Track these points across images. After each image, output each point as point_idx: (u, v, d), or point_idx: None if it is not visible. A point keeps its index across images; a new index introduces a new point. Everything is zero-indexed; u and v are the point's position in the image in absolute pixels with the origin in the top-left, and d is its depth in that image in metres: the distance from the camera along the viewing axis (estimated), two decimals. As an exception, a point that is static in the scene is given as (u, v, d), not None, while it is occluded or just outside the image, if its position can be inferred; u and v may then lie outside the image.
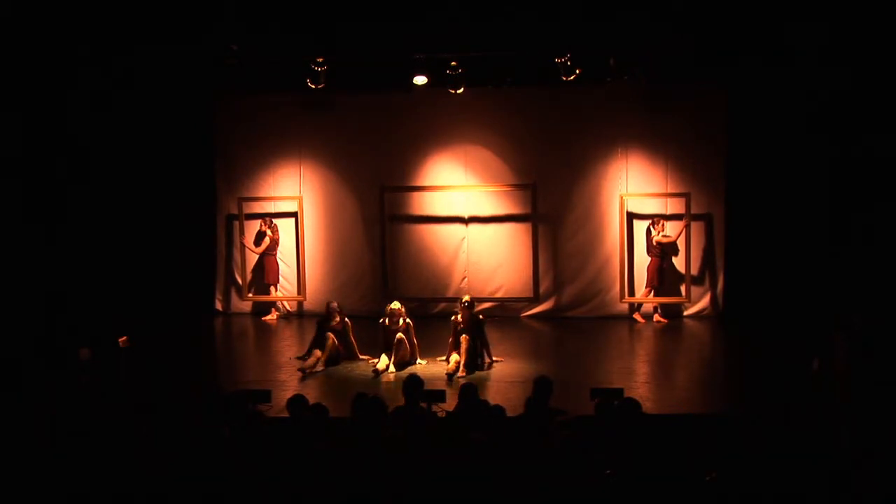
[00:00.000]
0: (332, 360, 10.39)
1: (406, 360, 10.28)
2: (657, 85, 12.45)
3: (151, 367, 10.35)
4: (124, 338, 11.01)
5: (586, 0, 10.95)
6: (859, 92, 11.52)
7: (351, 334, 10.66)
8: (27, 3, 10.70)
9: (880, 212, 11.63)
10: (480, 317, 10.49)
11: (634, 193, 13.02)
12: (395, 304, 10.49)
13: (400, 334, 10.22)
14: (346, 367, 10.38)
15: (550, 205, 13.19)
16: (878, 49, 11.10)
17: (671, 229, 12.86)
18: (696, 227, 12.86)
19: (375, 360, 10.29)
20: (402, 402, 7.29)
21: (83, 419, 7.84)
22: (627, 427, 6.37)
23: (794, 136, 12.16)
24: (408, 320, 10.44)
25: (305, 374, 9.94)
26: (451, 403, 7.72)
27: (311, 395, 8.66)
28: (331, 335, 10.41)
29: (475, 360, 10.14)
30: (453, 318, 10.38)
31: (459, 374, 9.82)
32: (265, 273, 13.62)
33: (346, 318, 10.74)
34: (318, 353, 10.28)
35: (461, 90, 12.29)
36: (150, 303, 12.67)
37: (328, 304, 10.86)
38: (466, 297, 10.47)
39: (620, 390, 7.62)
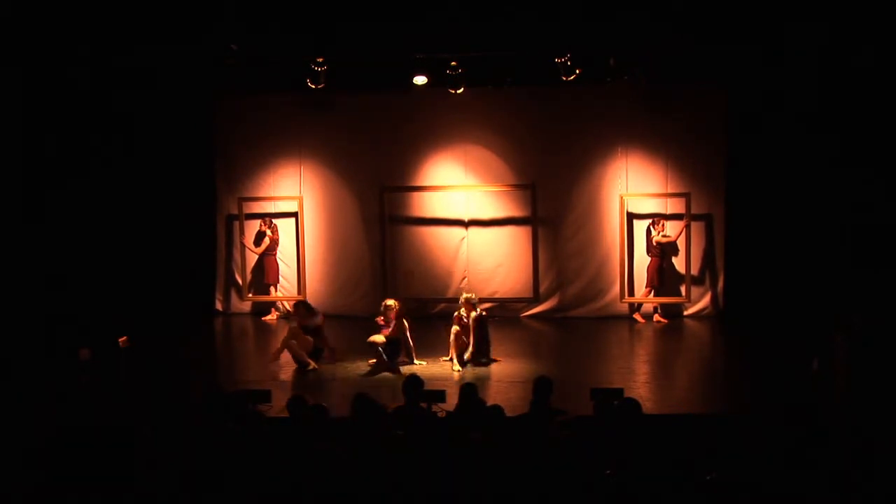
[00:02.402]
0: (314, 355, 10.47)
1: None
2: (657, 85, 12.44)
3: (151, 367, 10.35)
4: (124, 338, 11.01)
5: (586, 0, 10.94)
6: (859, 91, 11.52)
7: (324, 334, 10.68)
8: (27, 2, 10.71)
9: (879, 212, 11.63)
10: (483, 314, 10.69)
11: (634, 193, 13.02)
12: (391, 301, 10.54)
13: (379, 337, 10.29)
14: (347, 367, 10.37)
15: (550, 205, 13.18)
16: (879, 48, 11.11)
17: (671, 229, 12.86)
18: (696, 227, 12.86)
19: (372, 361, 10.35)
20: (402, 402, 7.29)
21: (83, 419, 7.85)
22: (627, 427, 6.37)
23: (794, 136, 12.15)
24: (403, 320, 10.43)
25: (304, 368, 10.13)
26: (450, 403, 7.72)
27: (311, 395, 8.66)
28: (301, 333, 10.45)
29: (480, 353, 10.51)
30: (456, 313, 10.57)
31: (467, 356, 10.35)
32: (265, 273, 13.62)
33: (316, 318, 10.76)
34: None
35: (461, 90, 12.29)
36: (150, 303, 12.66)
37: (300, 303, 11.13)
38: (472, 296, 10.76)
39: (620, 390, 7.63)
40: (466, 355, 10.43)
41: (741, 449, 6.31)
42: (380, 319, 10.48)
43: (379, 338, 10.28)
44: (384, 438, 6.02)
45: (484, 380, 9.67)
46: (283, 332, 10.81)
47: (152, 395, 9.08)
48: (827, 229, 12.02)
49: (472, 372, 10.09)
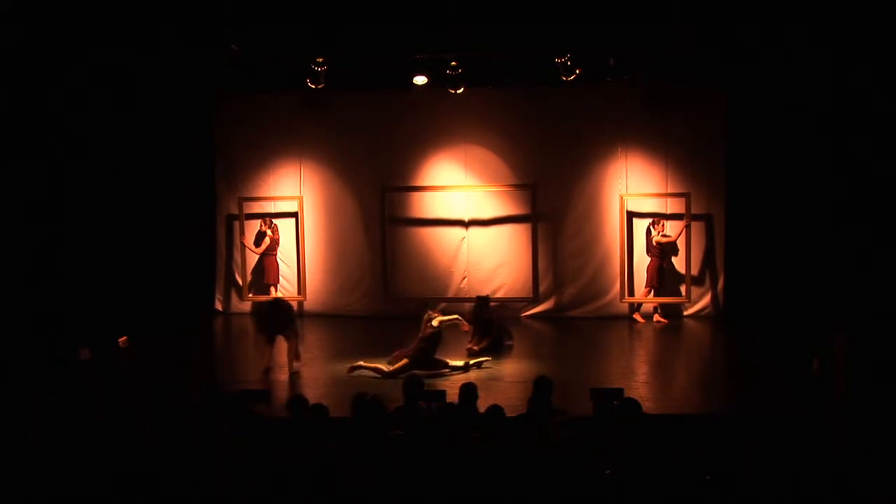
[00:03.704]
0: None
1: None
2: (657, 85, 12.45)
3: (151, 366, 10.35)
4: (124, 338, 11.01)
5: (586, 0, 10.94)
6: (859, 91, 11.52)
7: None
8: (27, 2, 10.70)
9: (880, 211, 11.62)
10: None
11: (634, 193, 13.02)
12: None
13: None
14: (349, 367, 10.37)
15: (550, 205, 13.19)
16: (878, 48, 11.11)
17: (671, 229, 12.86)
18: (697, 227, 12.86)
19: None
20: (402, 402, 7.30)
21: (83, 419, 7.85)
22: (627, 427, 6.37)
23: (794, 136, 12.15)
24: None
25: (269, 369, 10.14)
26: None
27: (311, 395, 8.67)
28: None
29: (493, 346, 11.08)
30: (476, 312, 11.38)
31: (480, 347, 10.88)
32: (265, 273, 13.62)
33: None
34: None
35: (461, 90, 12.29)
36: (150, 303, 12.66)
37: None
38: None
39: (620, 390, 7.61)
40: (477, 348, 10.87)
41: (741, 449, 6.31)
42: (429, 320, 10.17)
43: (391, 366, 9.96)
44: (384, 438, 6.02)
45: (484, 380, 9.66)
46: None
47: (152, 395, 9.08)
48: (827, 229, 12.01)
49: (474, 370, 10.10)
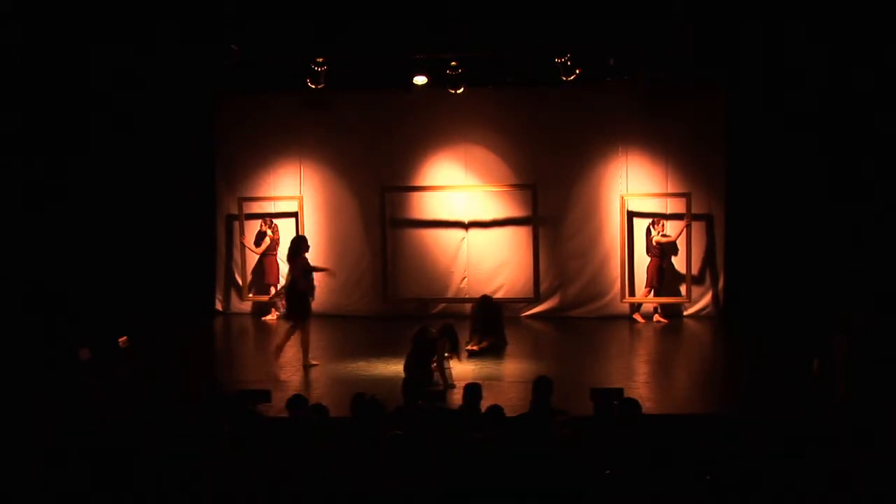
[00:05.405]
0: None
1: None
2: (657, 85, 12.44)
3: (151, 367, 10.35)
4: (124, 338, 11.01)
5: (586, 0, 10.94)
6: (859, 92, 11.52)
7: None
8: (27, 2, 10.72)
9: (880, 211, 11.62)
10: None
11: (634, 193, 13.01)
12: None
13: None
14: (347, 367, 10.37)
15: (550, 205, 13.17)
16: (877, 49, 11.11)
17: (671, 229, 12.86)
18: (697, 227, 12.85)
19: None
20: (402, 402, 7.31)
21: (83, 419, 7.86)
22: (627, 427, 6.37)
23: (794, 135, 12.14)
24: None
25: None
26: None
27: (311, 395, 8.68)
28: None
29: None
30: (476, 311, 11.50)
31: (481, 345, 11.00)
32: (265, 273, 13.60)
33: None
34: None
35: (461, 90, 12.29)
36: (150, 303, 12.66)
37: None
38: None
39: (620, 390, 7.62)
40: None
41: (741, 449, 6.31)
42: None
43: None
44: (384, 438, 6.02)
45: (484, 380, 9.65)
46: (283, 332, 10.78)
47: (152, 395, 9.08)
48: (827, 229, 12.01)
49: (474, 371, 10.09)
